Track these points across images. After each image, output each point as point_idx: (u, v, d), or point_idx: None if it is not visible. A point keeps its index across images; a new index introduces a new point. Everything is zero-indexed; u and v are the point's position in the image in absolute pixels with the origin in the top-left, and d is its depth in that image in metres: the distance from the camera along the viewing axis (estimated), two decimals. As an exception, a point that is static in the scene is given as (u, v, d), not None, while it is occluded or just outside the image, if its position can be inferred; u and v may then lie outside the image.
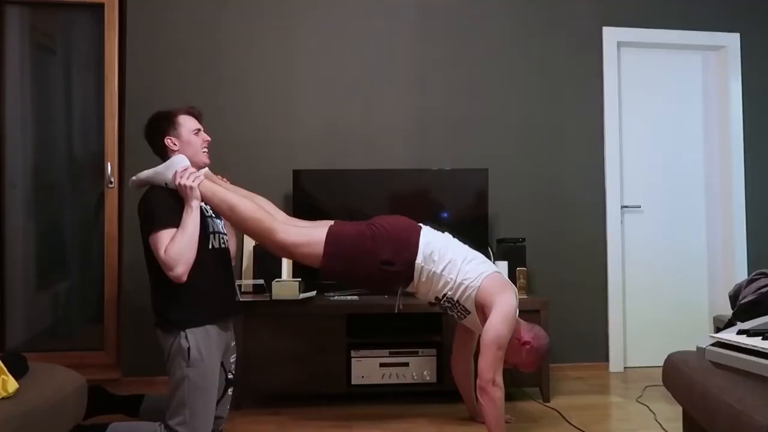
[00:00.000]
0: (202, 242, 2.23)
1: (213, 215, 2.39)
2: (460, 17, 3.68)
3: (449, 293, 2.44)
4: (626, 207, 3.81)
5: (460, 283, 2.41)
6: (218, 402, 2.30)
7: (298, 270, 3.22)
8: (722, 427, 1.72)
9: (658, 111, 3.89)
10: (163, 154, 2.36)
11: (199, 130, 2.39)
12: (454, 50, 3.67)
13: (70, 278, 3.50)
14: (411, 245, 2.44)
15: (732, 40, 3.88)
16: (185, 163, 2.28)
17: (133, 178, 2.37)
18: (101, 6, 3.42)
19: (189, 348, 2.17)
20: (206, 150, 2.42)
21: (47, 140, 3.48)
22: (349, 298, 3.15)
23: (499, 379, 2.30)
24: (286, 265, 3.24)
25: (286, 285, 2.94)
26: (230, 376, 2.41)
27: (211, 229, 2.33)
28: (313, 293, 3.07)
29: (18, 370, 1.87)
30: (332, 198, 3.38)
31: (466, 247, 2.54)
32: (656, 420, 2.76)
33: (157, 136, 2.35)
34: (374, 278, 2.48)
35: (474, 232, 3.33)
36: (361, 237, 2.44)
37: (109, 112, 3.39)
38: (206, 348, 2.20)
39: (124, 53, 3.45)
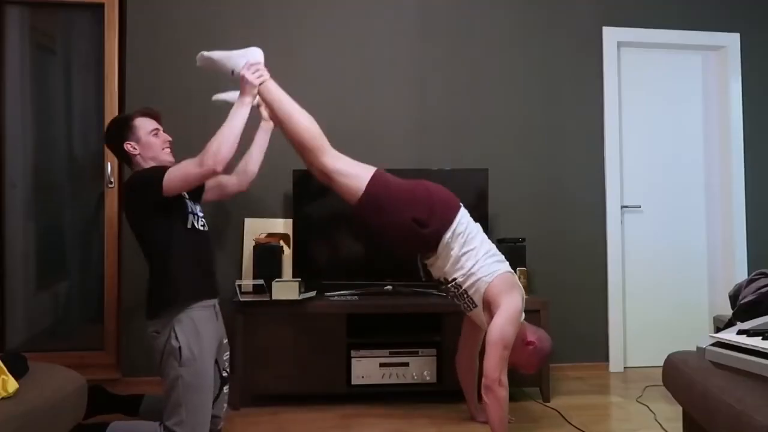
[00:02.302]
0: (180, 221, 2.24)
1: (188, 197, 2.33)
2: (460, 17, 3.68)
3: (459, 279, 2.45)
4: (626, 207, 3.81)
5: (472, 273, 2.41)
6: (214, 401, 2.30)
7: (298, 270, 3.23)
8: (722, 427, 1.72)
9: (658, 111, 3.89)
10: (129, 160, 2.35)
11: (157, 129, 2.36)
12: (454, 50, 3.67)
13: (70, 278, 3.49)
14: (447, 217, 2.44)
15: (732, 40, 3.88)
16: (259, 58, 2.30)
17: (204, 53, 2.38)
18: (101, 6, 3.42)
19: (180, 347, 2.16)
20: (168, 149, 2.38)
21: (47, 140, 3.47)
22: (349, 298, 3.14)
23: (505, 379, 2.31)
24: (286, 265, 3.24)
25: (286, 285, 2.94)
26: (225, 374, 2.41)
27: (189, 210, 2.31)
28: (313, 293, 3.07)
29: (18, 370, 1.87)
30: (332, 198, 3.34)
31: (492, 243, 2.54)
32: (656, 420, 2.76)
33: (117, 143, 2.33)
34: (401, 234, 2.45)
35: (474, 232, 3.33)
36: (403, 190, 2.45)
37: (109, 112, 3.38)
38: (197, 346, 2.20)
39: (124, 53, 3.44)
